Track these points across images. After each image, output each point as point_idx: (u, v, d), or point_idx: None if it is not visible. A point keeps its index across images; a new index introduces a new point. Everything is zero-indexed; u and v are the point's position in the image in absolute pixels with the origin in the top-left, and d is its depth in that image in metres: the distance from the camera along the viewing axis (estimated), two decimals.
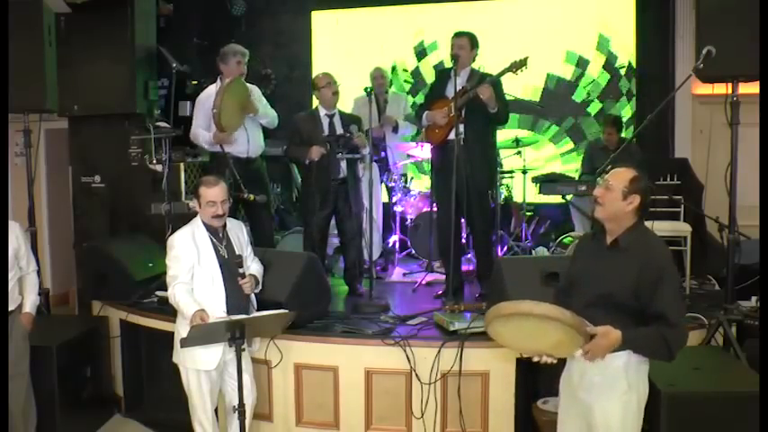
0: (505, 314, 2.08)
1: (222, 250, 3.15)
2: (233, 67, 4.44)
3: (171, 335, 3.23)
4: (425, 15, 6.61)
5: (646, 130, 4.14)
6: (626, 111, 6.23)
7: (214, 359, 3.05)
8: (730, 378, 2.85)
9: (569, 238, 5.23)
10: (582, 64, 6.33)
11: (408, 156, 5.67)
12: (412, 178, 5.93)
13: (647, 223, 2.32)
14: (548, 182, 4.47)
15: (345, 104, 5.01)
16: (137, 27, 4.88)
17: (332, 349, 3.43)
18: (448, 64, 4.49)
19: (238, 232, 3.29)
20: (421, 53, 6.68)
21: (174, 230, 3.29)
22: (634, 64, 6.22)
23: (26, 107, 4.29)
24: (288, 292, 3.44)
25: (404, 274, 5.20)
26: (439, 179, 4.43)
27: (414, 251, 5.52)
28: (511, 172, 5.63)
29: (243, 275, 3.12)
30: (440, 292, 4.37)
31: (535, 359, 2.22)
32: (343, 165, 4.42)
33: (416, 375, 3.30)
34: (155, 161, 4.42)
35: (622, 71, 6.26)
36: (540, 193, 4.27)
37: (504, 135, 5.48)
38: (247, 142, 4.45)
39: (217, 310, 3.05)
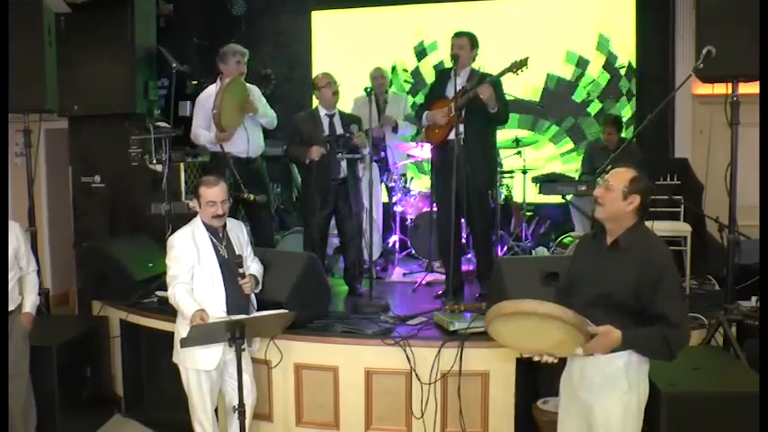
0: (507, 313, 2.08)
1: (222, 250, 3.15)
2: (232, 67, 4.44)
3: (171, 335, 3.23)
4: (425, 15, 6.60)
5: (646, 130, 4.14)
6: (626, 111, 6.23)
7: (214, 359, 3.05)
8: (730, 378, 2.85)
9: (569, 238, 5.23)
10: (582, 64, 6.32)
11: (408, 156, 5.67)
12: (412, 178, 5.93)
13: (647, 223, 2.32)
14: (548, 182, 4.46)
15: (345, 104, 5.01)
16: (137, 27, 4.88)
17: (332, 349, 3.43)
18: (448, 64, 4.49)
19: (238, 232, 3.29)
20: (421, 53, 6.68)
21: (174, 230, 3.29)
22: (634, 64, 6.22)
23: (26, 107, 4.29)
24: (288, 292, 3.44)
25: (404, 274, 5.20)
26: (439, 179, 4.43)
27: (414, 251, 5.53)
28: (511, 172, 5.63)
29: (243, 275, 3.12)
30: (440, 292, 4.37)
31: (536, 359, 2.22)
32: (344, 165, 4.42)
33: (416, 375, 3.30)
34: (155, 161, 4.41)
35: (622, 71, 6.26)
36: (540, 193, 4.26)
37: (504, 135, 5.47)
38: (247, 142, 4.45)
39: (217, 310, 3.05)
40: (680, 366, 2.54)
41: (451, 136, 4.08)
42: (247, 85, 4.47)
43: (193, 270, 3.08)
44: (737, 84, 3.38)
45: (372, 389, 3.39)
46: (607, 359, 2.18)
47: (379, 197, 5.54)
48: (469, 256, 4.98)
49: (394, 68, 6.61)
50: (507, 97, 4.34)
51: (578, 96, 6.36)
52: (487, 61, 4.49)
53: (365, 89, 4.16)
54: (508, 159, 5.59)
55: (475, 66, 4.32)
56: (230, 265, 3.13)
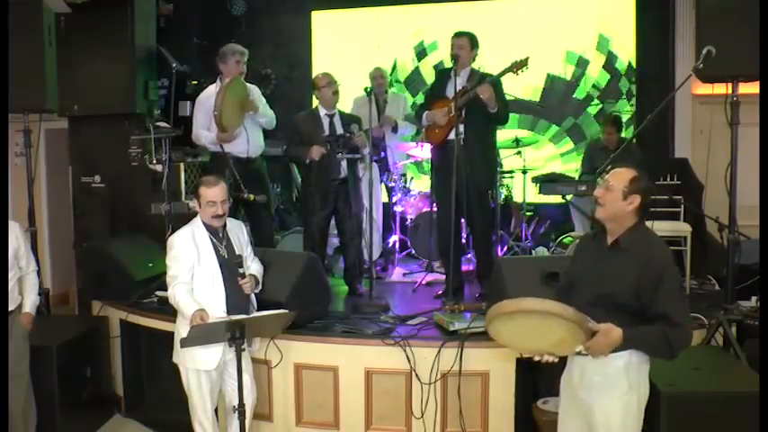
0: (507, 312, 2.08)
1: (222, 250, 3.15)
2: (232, 67, 4.44)
3: (171, 335, 3.23)
4: (425, 15, 6.60)
5: (646, 130, 4.15)
6: (626, 111, 6.23)
7: (214, 359, 3.05)
8: (730, 378, 2.85)
9: (569, 238, 5.23)
10: (582, 64, 6.32)
11: (408, 156, 5.68)
12: (412, 178, 5.93)
13: (647, 223, 2.32)
14: (548, 182, 4.46)
15: (345, 104, 5.01)
16: (137, 27, 4.88)
17: (332, 349, 3.43)
18: (448, 64, 4.49)
19: (238, 232, 3.29)
20: (421, 53, 6.67)
21: (174, 230, 3.29)
22: (634, 64, 6.22)
23: (26, 107, 4.29)
24: (288, 292, 3.43)
25: (404, 274, 5.20)
26: (439, 179, 4.43)
27: (414, 251, 5.53)
28: (511, 172, 5.63)
29: (243, 275, 3.12)
30: (440, 292, 4.37)
31: (536, 359, 2.21)
32: (344, 165, 4.41)
33: (416, 375, 3.30)
34: (155, 161, 4.41)
35: (622, 71, 6.26)
36: (540, 193, 4.26)
37: (504, 135, 5.47)
38: (247, 142, 4.45)
39: (217, 310, 3.05)
40: (680, 366, 2.55)
41: (451, 136, 4.08)
42: (247, 84, 4.47)
43: (193, 270, 3.08)
44: (737, 84, 3.38)
45: (372, 389, 3.39)
46: (607, 359, 2.18)
47: (379, 197, 5.54)
48: (469, 256, 4.98)
49: (394, 68, 6.61)
50: (507, 97, 4.34)
51: (578, 96, 6.36)
52: (487, 61, 4.49)
53: (365, 89, 4.16)
54: (508, 159, 5.59)
55: (475, 66, 4.32)
56: (230, 265, 3.13)
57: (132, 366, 4.25)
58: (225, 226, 3.21)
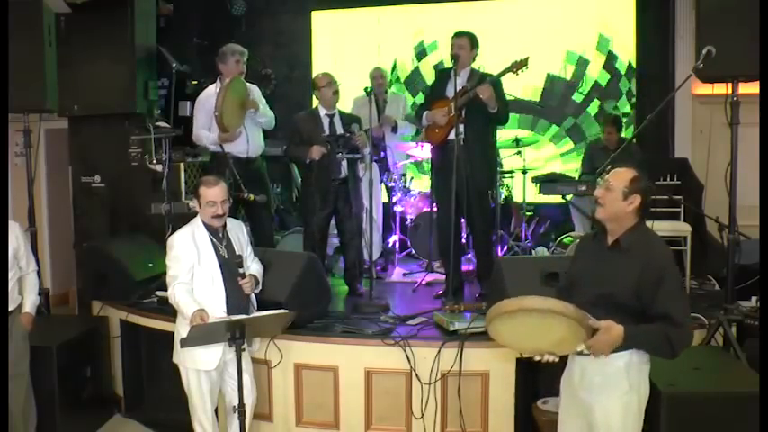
0: (508, 311, 2.07)
1: (222, 250, 3.15)
2: (232, 67, 4.44)
3: (171, 335, 3.23)
4: (425, 15, 6.60)
5: (646, 130, 4.14)
6: (626, 111, 6.23)
7: (214, 359, 3.05)
8: (730, 378, 2.85)
9: (569, 238, 5.23)
10: (582, 64, 6.32)
11: (408, 156, 5.68)
12: (412, 178, 5.93)
13: (647, 223, 2.32)
14: (548, 182, 4.47)
15: (345, 104, 5.01)
16: (137, 27, 4.88)
17: (332, 349, 3.43)
18: (448, 64, 4.49)
19: (238, 232, 3.29)
20: (421, 53, 6.67)
21: (174, 230, 3.29)
22: (634, 64, 6.22)
23: (26, 107, 4.29)
24: (288, 292, 3.43)
25: (404, 274, 5.20)
26: (439, 179, 4.43)
27: (414, 251, 5.53)
28: (511, 172, 5.63)
29: (243, 275, 3.12)
30: (440, 292, 4.37)
31: (536, 358, 2.21)
32: (344, 165, 4.41)
33: (416, 375, 3.30)
34: (155, 161, 4.41)
35: (622, 71, 6.26)
36: (540, 193, 4.27)
37: (504, 135, 5.47)
38: (247, 142, 4.45)
39: (217, 310, 3.05)
40: (680, 366, 2.55)
41: (451, 136, 4.08)
42: (247, 84, 4.47)
43: (193, 270, 3.08)
44: (737, 84, 3.37)
45: (372, 389, 3.39)
46: (608, 359, 2.18)
47: (379, 197, 5.54)
48: (469, 256, 4.98)
49: (394, 68, 6.61)
50: (507, 97, 4.34)
51: (578, 96, 6.36)
52: (487, 61, 4.49)
53: (365, 89, 4.16)
54: (508, 159, 5.59)
55: (475, 66, 4.32)
56: (230, 265, 3.12)
57: (132, 366, 4.25)
58: (225, 226, 3.20)
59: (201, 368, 3.05)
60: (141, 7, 4.96)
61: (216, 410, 3.23)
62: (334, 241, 5.07)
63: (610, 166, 2.49)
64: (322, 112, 4.50)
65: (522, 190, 5.51)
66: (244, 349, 2.85)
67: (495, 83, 4.09)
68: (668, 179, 4.40)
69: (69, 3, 4.82)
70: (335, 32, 6.82)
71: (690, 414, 2.55)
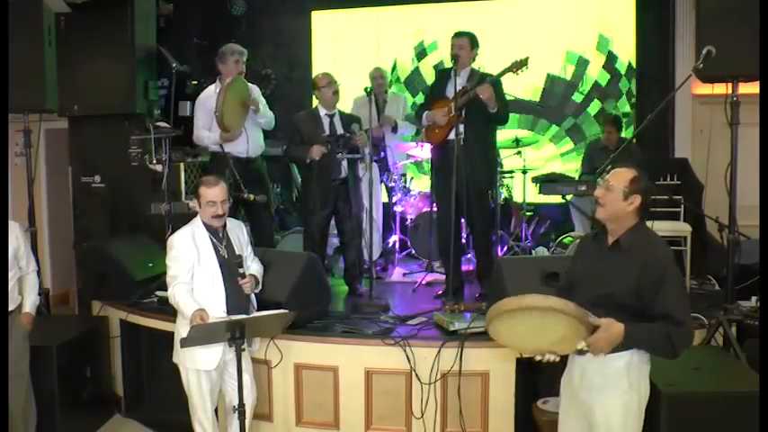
0: (509, 310, 2.07)
1: (222, 250, 3.15)
2: (231, 67, 4.44)
3: (171, 335, 3.23)
4: (425, 15, 6.60)
5: (646, 130, 4.14)
6: (626, 111, 6.23)
7: (214, 359, 3.05)
8: (730, 378, 2.85)
9: (569, 238, 5.23)
10: (582, 64, 6.32)
11: (408, 156, 5.68)
12: (412, 178, 5.93)
13: (647, 223, 2.32)
14: (548, 182, 4.46)
15: (345, 104, 5.01)
16: (137, 27, 4.88)
17: (332, 349, 3.43)
18: (448, 64, 4.49)
19: (238, 232, 3.29)
20: (421, 53, 6.67)
21: (174, 230, 3.29)
22: (634, 64, 6.22)
23: (26, 107, 4.29)
24: (288, 292, 3.43)
25: (404, 274, 5.20)
26: (439, 179, 4.43)
27: (414, 251, 5.52)
28: (511, 172, 5.63)
29: (243, 275, 3.12)
30: (440, 292, 4.37)
31: (537, 358, 2.20)
32: (344, 165, 4.41)
33: (416, 375, 3.30)
34: (155, 161, 4.41)
35: (622, 71, 6.26)
36: (540, 193, 4.26)
37: (504, 135, 5.47)
38: (247, 142, 4.45)
39: (217, 310, 3.05)
40: (680, 366, 2.54)
41: (451, 136, 4.08)
42: (248, 84, 4.47)
43: (193, 270, 3.08)
44: (737, 84, 3.37)
45: (372, 389, 3.39)
46: (608, 359, 2.18)
47: (379, 197, 5.54)
48: (469, 256, 4.97)
49: (394, 68, 6.61)
50: (507, 97, 4.34)
51: (578, 96, 6.36)
52: (487, 61, 4.49)
53: (365, 89, 4.16)
54: (508, 159, 5.59)
55: (475, 66, 4.32)
56: (230, 265, 3.12)
57: (132, 366, 4.25)
58: (225, 226, 3.20)
59: (201, 368, 3.05)
60: (141, 7, 4.96)
61: (216, 410, 3.23)
62: (334, 241, 5.07)
63: (610, 166, 2.49)
64: (322, 112, 4.50)
65: (522, 190, 5.51)
66: (244, 349, 2.85)
67: (495, 83, 4.09)
68: (668, 179, 4.40)
69: (69, 3, 4.82)
70: (335, 32, 6.82)
71: (690, 414, 2.55)
